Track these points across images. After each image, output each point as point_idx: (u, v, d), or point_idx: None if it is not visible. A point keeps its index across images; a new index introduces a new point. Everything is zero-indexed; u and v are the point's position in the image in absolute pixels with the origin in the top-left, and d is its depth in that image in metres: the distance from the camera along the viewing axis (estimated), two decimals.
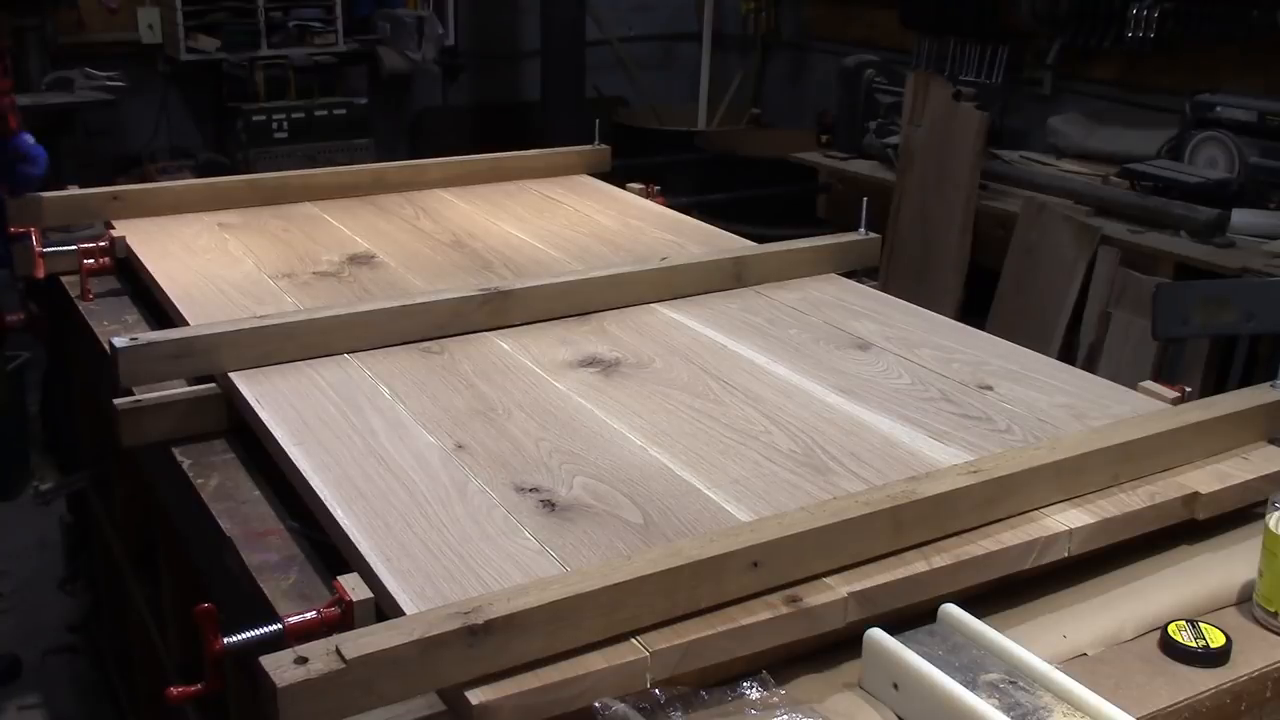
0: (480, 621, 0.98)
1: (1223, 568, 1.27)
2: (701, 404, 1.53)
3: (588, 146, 2.75)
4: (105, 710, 2.75)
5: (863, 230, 2.09)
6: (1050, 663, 1.06)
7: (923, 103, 3.88)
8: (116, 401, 1.54)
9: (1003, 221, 3.59)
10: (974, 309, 3.50)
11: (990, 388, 1.59)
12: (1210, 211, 3.19)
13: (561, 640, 1.02)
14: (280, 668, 0.94)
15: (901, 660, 1.04)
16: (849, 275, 2.07)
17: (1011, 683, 1.04)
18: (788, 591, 1.11)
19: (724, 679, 1.07)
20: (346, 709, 0.96)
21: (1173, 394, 1.55)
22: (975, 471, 1.24)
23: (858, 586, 1.13)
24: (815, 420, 1.49)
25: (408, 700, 1.00)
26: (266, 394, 1.52)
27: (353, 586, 1.11)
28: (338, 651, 0.95)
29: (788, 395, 1.56)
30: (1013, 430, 1.47)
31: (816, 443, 1.42)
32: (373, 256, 2.09)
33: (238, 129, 4.75)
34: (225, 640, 1.08)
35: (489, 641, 0.99)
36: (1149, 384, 1.59)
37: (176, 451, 1.54)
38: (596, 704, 1.00)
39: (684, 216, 2.40)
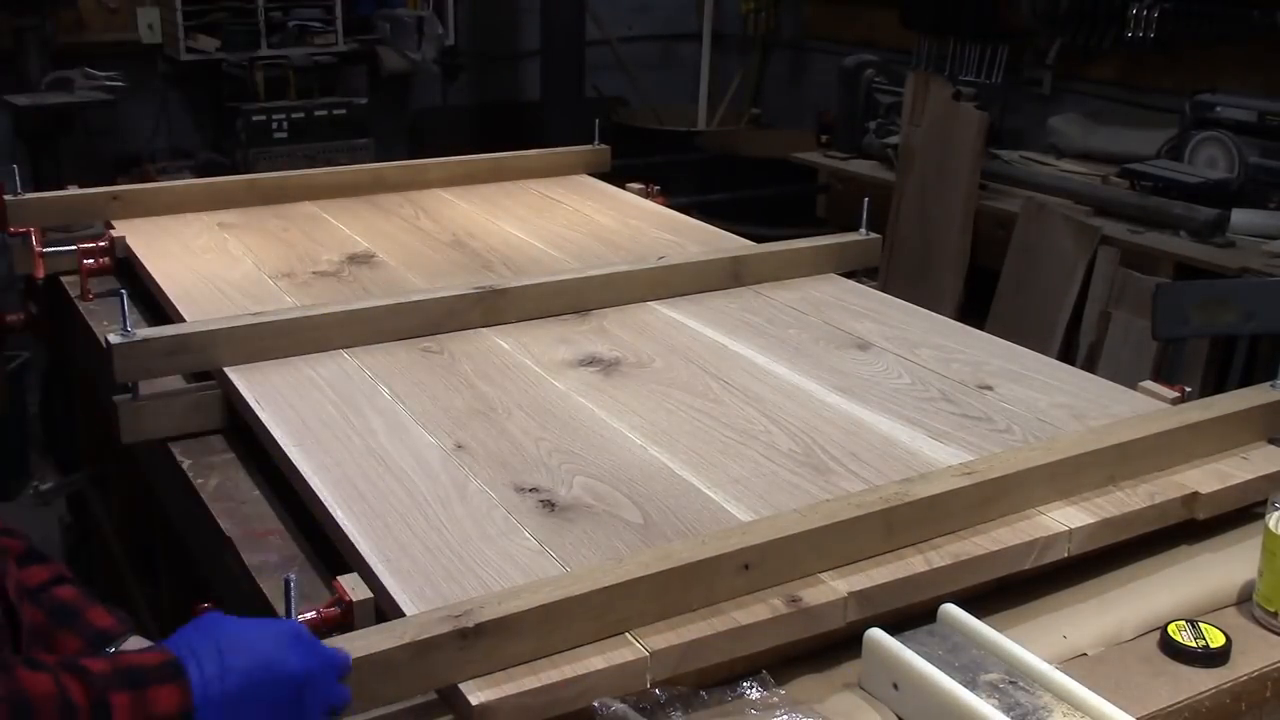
0: (471, 625, 0.98)
1: (1222, 568, 1.27)
2: (701, 403, 1.53)
3: (587, 146, 2.75)
4: None
5: (863, 230, 2.09)
6: (1050, 663, 1.06)
7: (923, 103, 3.87)
8: (115, 398, 1.54)
9: (1002, 221, 3.59)
10: (974, 309, 3.50)
11: (990, 388, 1.59)
12: (1210, 211, 3.19)
13: (553, 642, 1.02)
14: None
15: (901, 660, 1.04)
16: (849, 275, 2.07)
17: (1011, 683, 1.04)
18: (788, 592, 1.11)
19: (724, 679, 1.07)
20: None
21: (1172, 394, 1.55)
22: (969, 473, 1.24)
23: (858, 586, 1.12)
24: (815, 420, 1.49)
25: (407, 700, 1.00)
26: (266, 394, 1.52)
27: (352, 586, 1.11)
28: None
29: (788, 395, 1.56)
30: (1012, 430, 1.47)
31: (816, 442, 1.42)
32: (372, 256, 2.09)
33: (237, 129, 4.74)
34: None
35: (480, 644, 0.99)
36: (1149, 384, 1.59)
37: (176, 451, 1.54)
38: (596, 703, 1.00)
39: (684, 216, 2.40)
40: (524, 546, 1.19)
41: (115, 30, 4.84)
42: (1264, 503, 1.27)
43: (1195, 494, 1.32)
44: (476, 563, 1.15)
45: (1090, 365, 3.12)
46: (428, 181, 2.57)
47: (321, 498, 1.27)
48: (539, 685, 0.99)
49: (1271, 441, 1.45)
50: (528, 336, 1.75)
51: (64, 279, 2.10)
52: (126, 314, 1.55)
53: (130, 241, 2.07)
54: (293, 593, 0.98)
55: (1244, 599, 1.23)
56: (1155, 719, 1.07)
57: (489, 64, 5.69)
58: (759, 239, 2.18)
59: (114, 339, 1.53)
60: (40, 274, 2.10)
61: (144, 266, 1.98)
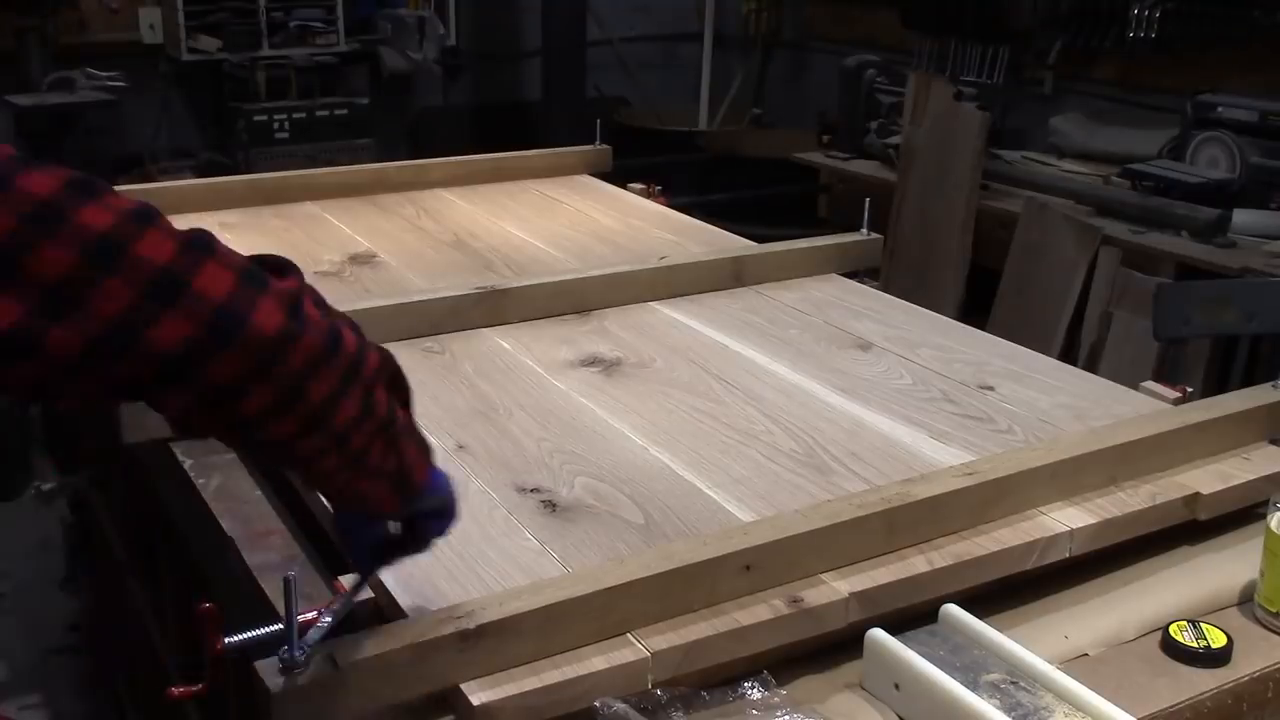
0: (472, 626, 0.98)
1: (1224, 568, 1.27)
2: (703, 404, 1.53)
3: (589, 146, 2.75)
4: (105, 710, 2.74)
5: (864, 230, 2.09)
6: (1051, 663, 1.06)
7: (924, 103, 3.87)
8: None
9: (1004, 222, 3.59)
10: (975, 309, 3.49)
11: (991, 388, 1.59)
12: (1211, 212, 3.18)
13: (555, 644, 1.02)
14: (275, 672, 0.94)
15: (903, 660, 1.04)
16: (850, 275, 2.07)
17: (1013, 683, 1.04)
18: (790, 593, 1.11)
19: (725, 679, 1.07)
20: (341, 713, 0.96)
21: (1174, 394, 1.55)
22: (971, 473, 1.24)
23: (859, 587, 1.12)
24: (816, 420, 1.49)
25: (407, 700, 1.00)
26: None
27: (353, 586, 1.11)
28: (330, 658, 0.95)
29: (789, 395, 1.56)
30: (1014, 431, 1.46)
31: (818, 443, 1.42)
32: (374, 256, 2.09)
33: (239, 129, 4.75)
34: (225, 640, 1.08)
35: (481, 645, 0.99)
36: (1150, 384, 1.59)
37: (177, 451, 1.54)
38: (597, 703, 1.00)
39: (685, 217, 2.40)
40: (525, 547, 1.19)
41: (117, 30, 4.84)
42: (1265, 503, 1.27)
43: (1197, 494, 1.31)
44: (478, 563, 1.15)
45: (1091, 365, 3.12)
46: (429, 181, 2.57)
47: (323, 498, 1.27)
48: (540, 686, 0.99)
49: (1273, 442, 1.44)
50: (529, 336, 1.75)
51: None
52: None
53: None
54: (294, 591, 0.98)
55: (1245, 599, 1.23)
56: (1156, 719, 1.07)
57: (490, 64, 5.69)
58: (760, 239, 2.18)
59: None
60: None
61: None
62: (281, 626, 0.98)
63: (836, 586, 1.12)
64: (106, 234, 0.73)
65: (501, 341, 1.73)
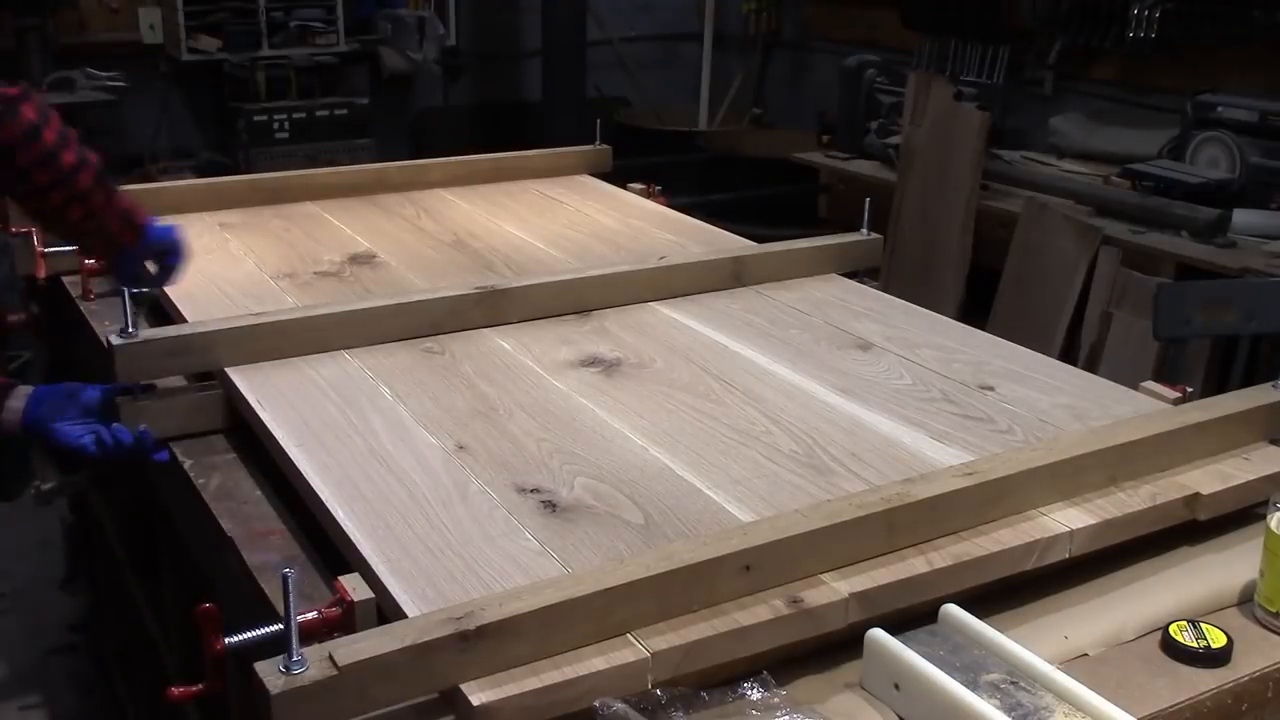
0: (472, 627, 0.98)
1: (1224, 568, 1.27)
2: (703, 404, 1.53)
3: (589, 146, 2.75)
4: (106, 710, 2.75)
5: (864, 230, 2.09)
6: (1051, 663, 1.06)
7: (924, 103, 3.87)
8: (118, 399, 1.54)
9: (1004, 222, 3.59)
10: (975, 309, 3.50)
11: (991, 388, 1.59)
12: (1211, 212, 3.19)
13: (555, 644, 1.02)
14: (275, 674, 0.94)
15: (903, 660, 1.04)
16: (850, 275, 2.07)
17: (1013, 683, 1.04)
18: (789, 593, 1.11)
19: (725, 679, 1.07)
20: (341, 714, 0.96)
21: (1174, 394, 1.55)
22: (971, 474, 1.24)
23: (859, 587, 1.12)
24: (816, 421, 1.49)
25: (407, 701, 1.00)
26: (268, 395, 1.52)
27: (354, 587, 1.11)
28: (330, 659, 0.95)
29: (789, 395, 1.56)
30: (1014, 431, 1.46)
31: (818, 443, 1.42)
32: (374, 256, 2.09)
33: (239, 129, 4.75)
34: (226, 640, 1.08)
35: (481, 646, 0.99)
36: (1150, 384, 1.59)
37: (178, 451, 1.54)
38: (597, 703, 1.00)
39: (685, 216, 2.41)
40: (525, 547, 1.19)
41: (117, 30, 4.85)
42: (1265, 503, 1.27)
43: (1196, 495, 1.31)
44: (478, 563, 1.15)
45: (1091, 365, 3.12)
46: (429, 182, 2.57)
47: (323, 498, 1.27)
48: (540, 686, 0.99)
49: (1272, 442, 1.44)
50: (529, 337, 1.75)
51: (66, 279, 2.10)
52: (128, 314, 1.55)
53: None
54: (290, 588, 0.98)
55: (1245, 599, 1.23)
56: (1156, 719, 1.07)
57: (490, 64, 5.69)
58: (760, 239, 2.18)
59: (115, 339, 1.53)
60: (42, 274, 2.10)
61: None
62: (281, 627, 0.98)
63: (836, 587, 1.12)
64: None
65: (501, 342, 1.73)
